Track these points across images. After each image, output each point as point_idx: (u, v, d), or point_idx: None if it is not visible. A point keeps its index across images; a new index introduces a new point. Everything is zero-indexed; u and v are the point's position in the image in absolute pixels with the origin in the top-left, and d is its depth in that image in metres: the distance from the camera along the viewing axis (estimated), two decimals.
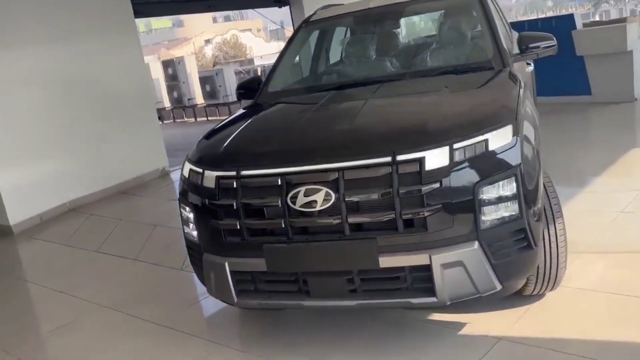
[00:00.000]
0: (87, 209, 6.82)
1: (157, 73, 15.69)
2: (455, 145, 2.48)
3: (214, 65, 22.77)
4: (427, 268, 2.48)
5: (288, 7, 10.20)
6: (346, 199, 2.47)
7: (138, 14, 8.32)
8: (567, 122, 7.21)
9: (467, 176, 2.47)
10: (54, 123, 6.83)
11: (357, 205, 2.51)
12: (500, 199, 2.50)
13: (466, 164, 2.47)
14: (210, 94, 14.37)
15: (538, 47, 3.51)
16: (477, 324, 2.92)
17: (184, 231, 3.12)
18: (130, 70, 7.73)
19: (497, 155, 2.52)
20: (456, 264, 2.47)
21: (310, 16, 4.37)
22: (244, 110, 3.74)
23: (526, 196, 2.53)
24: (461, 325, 2.94)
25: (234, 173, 2.72)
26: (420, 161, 2.44)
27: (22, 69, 6.57)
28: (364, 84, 3.52)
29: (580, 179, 4.93)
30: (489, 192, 2.48)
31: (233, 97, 13.78)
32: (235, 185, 2.70)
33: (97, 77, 7.33)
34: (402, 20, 4.40)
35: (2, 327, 4.00)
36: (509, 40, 3.88)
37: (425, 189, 2.42)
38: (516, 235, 2.55)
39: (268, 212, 2.66)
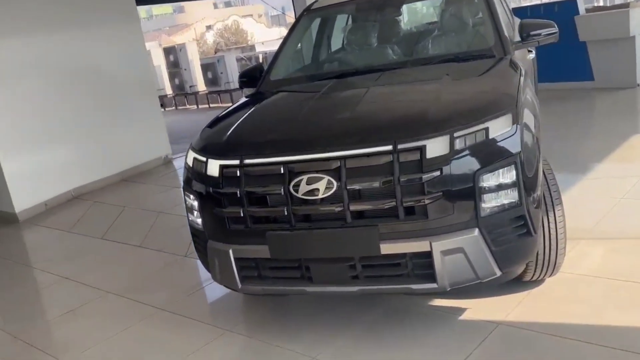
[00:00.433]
0: (91, 197, 6.88)
1: (159, 60, 15.66)
2: (456, 134, 2.50)
3: (215, 52, 22.72)
4: (428, 255, 2.52)
5: None
6: (348, 187, 2.51)
7: (140, 0, 8.30)
8: (569, 108, 7.21)
9: (467, 164, 2.49)
10: (58, 111, 6.86)
11: (358, 193, 2.54)
12: (500, 187, 2.53)
13: (467, 152, 2.50)
14: (212, 81, 14.36)
15: (539, 34, 3.51)
16: (477, 309, 2.97)
17: (188, 219, 3.16)
18: (133, 58, 7.74)
19: (498, 144, 2.54)
20: (456, 250, 2.51)
21: (312, 4, 4.37)
22: (246, 99, 3.76)
23: (526, 183, 2.56)
24: (461, 310, 2.98)
25: (237, 162, 2.75)
26: (421, 149, 2.47)
27: (25, 57, 6.59)
28: (366, 72, 3.54)
29: (582, 165, 4.95)
30: (489, 180, 2.51)
31: (235, 84, 13.77)
32: (238, 174, 2.74)
33: (100, 65, 7.35)
34: (404, 8, 4.39)
35: (9, 313, 4.07)
36: (511, 28, 3.88)
37: (426, 177, 2.45)
38: (516, 222, 2.58)
39: (271, 200, 2.70)
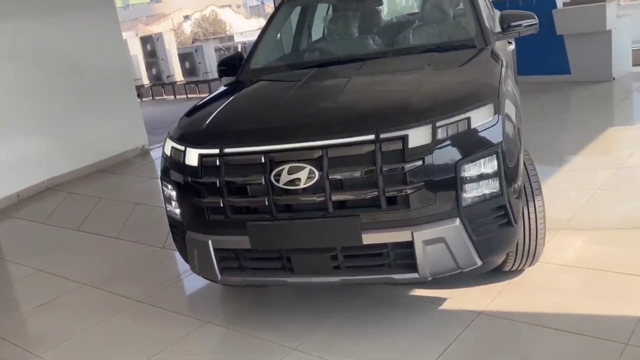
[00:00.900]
0: (66, 187, 6.75)
1: (135, 49, 15.41)
2: (438, 123, 2.49)
3: (193, 42, 22.47)
4: (410, 244, 2.51)
5: None
6: (330, 177, 2.48)
7: None
8: (546, 101, 7.28)
9: (449, 154, 2.49)
10: (31, 100, 6.70)
11: (340, 183, 2.52)
12: (482, 177, 2.53)
13: (448, 142, 2.49)
14: (189, 71, 14.18)
15: (520, 25, 3.53)
16: (458, 299, 2.98)
17: (166, 209, 3.11)
18: (109, 46, 7.60)
19: (479, 134, 2.54)
20: (438, 240, 2.50)
21: None
22: (225, 88, 3.71)
23: (507, 174, 2.56)
24: (442, 300, 2.99)
25: (217, 151, 2.71)
26: (404, 139, 2.46)
27: None
28: (347, 62, 3.52)
29: (559, 157, 5.00)
30: (470, 170, 2.51)
31: (213, 75, 13.62)
32: (218, 163, 2.69)
33: (74, 54, 7.19)
34: None
35: None
36: (491, 19, 3.89)
37: (408, 166, 2.44)
38: (497, 212, 2.58)
39: (251, 190, 2.66)
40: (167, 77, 14.76)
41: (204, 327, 3.14)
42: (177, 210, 2.97)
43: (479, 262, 2.61)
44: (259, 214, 2.68)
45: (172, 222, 3.09)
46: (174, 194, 2.96)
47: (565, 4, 8.39)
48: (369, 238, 2.52)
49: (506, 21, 3.53)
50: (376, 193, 2.46)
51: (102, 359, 3.05)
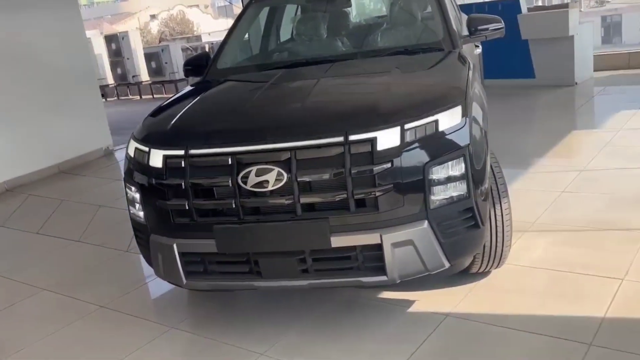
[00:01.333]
0: (26, 189, 6.55)
1: (100, 48, 15.12)
2: (407, 126, 2.49)
3: (160, 42, 22.16)
4: (378, 247, 2.49)
5: None
6: (298, 179, 2.45)
7: None
8: (511, 105, 7.39)
9: (417, 156, 2.48)
10: None
11: (309, 185, 2.49)
12: (449, 179, 2.53)
13: (417, 144, 2.49)
14: (156, 71, 13.98)
15: (487, 29, 3.56)
16: (426, 301, 2.98)
17: (129, 212, 3.03)
18: (71, 44, 7.41)
19: (447, 136, 2.54)
20: (406, 242, 2.50)
21: None
22: (191, 88, 3.64)
23: (474, 176, 2.57)
24: (410, 302, 2.98)
25: (182, 152, 2.65)
26: (372, 141, 2.44)
27: None
28: (315, 63, 3.49)
29: (524, 160, 5.07)
30: (438, 172, 2.51)
31: (180, 75, 13.45)
32: (183, 165, 2.63)
33: (35, 51, 6.99)
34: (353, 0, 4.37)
35: None
36: (459, 22, 3.91)
37: (376, 169, 2.43)
38: (464, 215, 2.59)
39: (218, 192, 2.61)
40: (133, 77, 14.52)
41: (169, 333, 3.07)
42: (141, 213, 2.90)
43: (447, 265, 2.61)
44: (225, 217, 2.63)
45: (136, 225, 3.01)
46: (137, 196, 2.88)
47: (529, 9, 8.56)
48: (338, 241, 2.49)
49: (473, 25, 3.56)
50: (345, 195, 2.44)
51: None
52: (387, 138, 2.45)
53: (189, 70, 3.97)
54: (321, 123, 2.58)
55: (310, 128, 2.54)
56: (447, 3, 3.71)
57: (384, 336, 2.76)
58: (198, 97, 3.25)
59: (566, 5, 8.06)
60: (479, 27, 3.56)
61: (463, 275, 3.07)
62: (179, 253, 2.73)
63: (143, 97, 14.41)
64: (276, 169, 2.47)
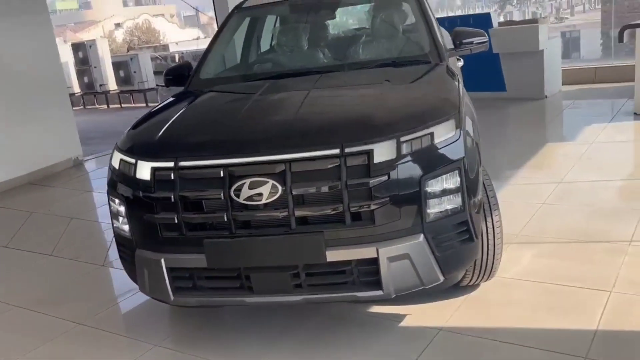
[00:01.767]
0: None
1: (66, 56, 14.76)
2: (403, 138, 2.47)
3: (128, 50, 21.84)
4: (374, 261, 2.46)
5: None
6: (293, 192, 2.40)
7: None
8: (485, 117, 7.40)
9: (413, 169, 2.46)
10: None
11: (303, 198, 2.44)
12: (445, 192, 2.52)
13: (413, 157, 2.47)
14: (124, 80, 13.72)
15: (472, 42, 3.59)
16: (417, 315, 2.95)
17: (113, 225, 2.92)
18: (41, 51, 7.20)
19: (442, 149, 2.53)
20: (402, 256, 2.47)
21: (243, 2, 4.23)
22: (175, 98, 3.55)
23: (468, 189, 2.57)
24: (401, 317, 2.95)
25: (171, 164, 2.57)
26: (369, 154, 2.41)
27: None
28: (303, 74, 3.45)
29: (501, 172, 5.12)
30: (434, 185, 2.49)
31: (150, 84, 13.26)
32: (173, 177, 2.55)
33: (3, 58, 6.75)
34: (339, 11, 4.35)
35: None
36: (441, 36, 3.93)
37: (373, 181, 2.39)
38: (459, 228, 2.58)
39: (209, 205, 2.54)
40: (100, 85, 14.22)
41: (152, 351, 2.96)
42: (126, 227, 2.80)
43: (442, 278, 2.59)
44: (216, 231, 2.56)
45: (120, 240, 2.90)
46: (122, 209, 2.78)
47: (500, 24, 8.72)
48: (333, 255, 2.44)
49: (459, 38, 3.58)
50: (341, 208, 2.40)
51: None
52: (384, 150, 2.43)
53: (170, 80, 3.88)
54: (316, 135, 2.53)
55: (305, 140, 2.50)
56: (432, 16, 3.73)
57: (377, 352, 2.71)
58: (185, 108, 3.17)
59: (536, 21, 8.26)
60: (464, 41, 3.59)
61: (453, 288, 3.05)
62: (166, 268, 2.64)
63: (110, 106, 14.13)
64: (270, 182, 2.42)
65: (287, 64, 3.85)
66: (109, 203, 2.91)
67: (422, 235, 2.48)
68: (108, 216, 2.99)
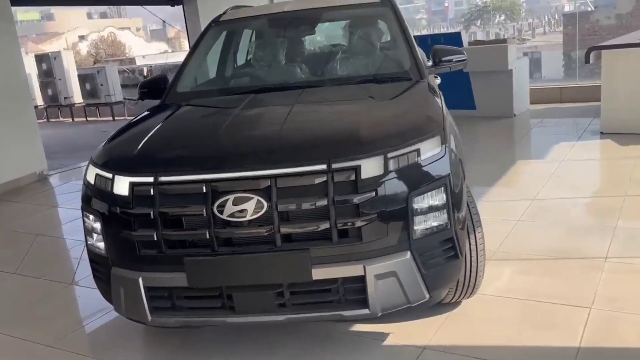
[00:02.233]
0: None
1: (28, 68, 14.41)
2: (390, 154, 2.44)
3: (94, 63, 21.45)
4: (361, 279, 2.41)
5: (181, 6, 9.78)
6: (279, 208, 2.34)
7: (16, 1, 7.54)
8: None
9: (400, 186, 2.44)
10: None
11: (289, 215, 2.39)
12: (431, 209, 2.50)
13: (400, 173, 2.45)
14: (90, 93, 13.46)
15: (451, 60, 3.61)
16: (400, 333, 2.91)
17: (87, 243, 2.81)
18: (5, 64, 6.97)
19: (428, 165, 2.52)
20: (389, 274, 2.43)
21: (220, 15, 4.18)
22: (152, 111, 3.45)
23: (453, 205, 2.55)
24: (384, 335, 2.91)
25: (151, 179, 2.48)
26: (356, 169, 2.38)
27: None
28: (284, 89, 3.41)
29: (475, 189, 5.11)
30: (420, 202, 2.47)
31: (117, 97, 13.03)
32: (152, 193, 2.47)
33: None
34: (319, 27, 4.34)
35: None
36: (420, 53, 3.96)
37: (360, 198, 2.36)
38: (445, 245, 2.56)
39: (190, 222, 2.46)
40: (65, 98, 13.90)
41: None
42: (101, 244, 2.69)
43: (427, 296, 2.56)
44: (198, 249, 2.48)
45: (94, 257, 2.79)
46: (97, 225, 2.67)
47: (470, 43, 8.88)
48: (319, 273, 2.39)
49: (438, 55, 3.60)
50: (327, 225, 2.35)
51: None
52: (371, 166, 2.40)
53: (145, 93, 3.79)
54: (303, 150, 2.49)
55: (291, 155, 2.45)
56: (410, 34, 3.75)
57: None
58: (164, 121, 3.08)
59: (505, 41, 8.44)
60: (443, 58, 3.61)
61: (435, 306, 3.02)
62: (144, 287, 2.54)
63: (76, 119, 13.82)
64: (255, 198, 2.35)
65: (267, 78, 3.80)
66: (83, 219, 2.79)
67: (409, 253, 2.45)
68: (75, 232, 2.89)
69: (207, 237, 2.41)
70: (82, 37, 42.11)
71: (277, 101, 3.23)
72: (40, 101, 14.41)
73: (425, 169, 2.51)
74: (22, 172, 7.05)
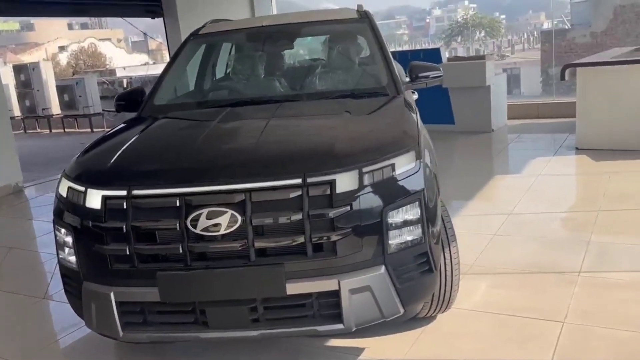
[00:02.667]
0: None
1: (6, 78, 14.26)
2: (365, 169, 2.45)
3: (73, 74, 21.28)
4: (335, 294, 2.41)
5: (161, 18, 9.77)
6: (253, 222, 2.33)
7: None
8: (435, 149, 7.61)
9: (375, 200, 2.45)
10: None
11: (264, 229, 2.38)
12: (406, 223, 2.51)
13: (374, 188, 2.45)
14: (68, 105, 13.35)
15: (427, 76, 3.65)
16: (375, 348, 2.90)
17: (58, 257, 2.76)
18: None
19: (403, 180, 2.53)
20: (364, 289, 2.43)
21: (200, 29, 4.18)
22: (127, 124, 3.43)
23: (428, 220, 2.57)
24: (359, 350, 2.90)
25: (124, 192, 2.46)
26: (331, 184, 2.38)
27: None
28: (262, 103, 3.42)
29: (452, 203, 5.19)
30: (395, 216, 2.48)
31: (95, 109, 12.93)
32: (125, 206, 2.44)
33: None
34: (298, 41, 4.37)
35: None
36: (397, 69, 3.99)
37: (335, 212, 2.36)
38: (419, 259, 2.57)
39: (163, 236, 2.43)
40: (43, 109, 13.76)
41: None
42: (72, 258, 2.65)
43: (402, 310, 2.56)
44: (171, 263, 2.45)
45: (65, 272, 2.74)
46: (69, 239, 2.64)
47: (449, 59, 9.00)
48: (294, 288, 2.38)
49: (415, 72, 3.64)
50: (302, 240, 2.35)
51: None
52: (346, 181, 2.40)
53: (122, 106, 3.76)
54: (278, 164, 2.49)
55: (266, 169, 2.44)
56: (388, 49, 3.79)
57: None
58: (139, 134, 3.05)
59: (483, 57, 8.56)
60: (420, 75, 3.64)
61: (410, 320, 3.03)
62: (116, 302, 2.50)
63: (53, 130, 13.67)
64: (229, 212, 2.34)
65: (245, 91, 3.81)
66: (54, 233, 2.75)
67: (383, 267, 2.46)
68: (50, 246, 2.84)
69: (180, 251, 2.39)
70: (62, 48, 41.78)
71: (254, 115, 3.24)
72: (17, 112, 14.24)
73: (399, 183, 2.52)
74: None
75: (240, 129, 3.09)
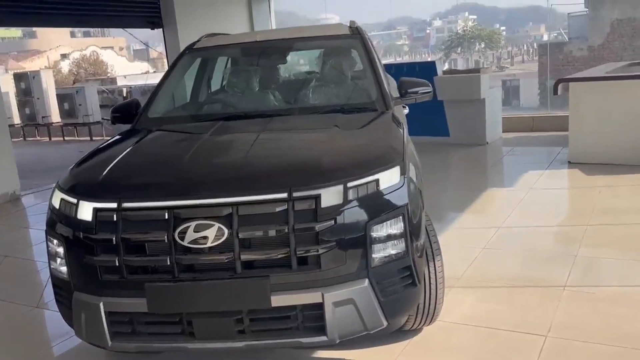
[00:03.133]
0: None
1: (6, 86, 14.37)
2: (349, 184, 2.51)
3: (74, 83, 21.38)
4: (319, 306, 2.45)
5: (161, 29, 9.87)
6: (240, 235, 2.39)
7: None
8: (429, 162, 7.61)
9: (359, 215, 2.50)
10: None
11: (250, 242, 2.44)
12: (389, 237, 2.56)
13: (358, 202, 2.51)
14: (68, 113, 13.43)
15: (417, 92, 3.72)
16: None
17: (50, 267, 2.82)
18: None
19: (387, 195, 2.59)
20: (347, 301, 2.48)
21: (194, 43, 4.25)
22: (121, 136, 3.50)
23: (411, 234, 2.62)
24: None
25: (114, 205, 2.52)
26: (317, 198, 2.44)
27: None
28: (253, 117, 3.48)
29: (443, 215, 5.26)
30: (378, 231, 2.53)
31: (95, 117, 13.02)
32: (115, 219, 2.50)
33: None
34: (290, 56, 4.45)
35: None
36: (388, 84, 4.06)
37: (320, 226, 2.42)
38: (402, 273, 2.62)
39: (152, 248, 2.49)
40: (43, 117, 13.84)
41: None
42: (64, 269, 2.70)
43: (385, 323, 2.61)
44: (159, 274, 2.50)
45: (57, 282, 2.79)
46: (61, 250, 2.69)
47: (444, 72, 9.08)
48: (279, 300, 2.43)
49: (404, 87, 3.71)
50: (287, 253, 2.40)
51: None
52: (331, 195, 2.46)
53: (117, 118, 3.83)
54: (264, 178, 2.55)
55: (253, 183, 2.51)
56: (379, 66, 3.86)
57: None
58: (131, 147, 3.12)
59: (478, 70, 8.64)
60: (409, 90, 3.71)
61: (396, 333, 3.07)
62: (105, 312, 2.55)
63: (53, 139, 13.74)
64: (217, 225, 2.40)
65: (237, 105, 3.87)
66: (47, 243, 2.81)
67: (367, 280, 2.51)
68: (45, 254, 2.89)
69: (168, 263, 2.44)
70: (64, 56, 41.92)
71: (244, 129, 3.30)
72: (17, 120, 14.33)
73: (384, 198, 2.58)
74: None
75: (230, 143, 3.15)
